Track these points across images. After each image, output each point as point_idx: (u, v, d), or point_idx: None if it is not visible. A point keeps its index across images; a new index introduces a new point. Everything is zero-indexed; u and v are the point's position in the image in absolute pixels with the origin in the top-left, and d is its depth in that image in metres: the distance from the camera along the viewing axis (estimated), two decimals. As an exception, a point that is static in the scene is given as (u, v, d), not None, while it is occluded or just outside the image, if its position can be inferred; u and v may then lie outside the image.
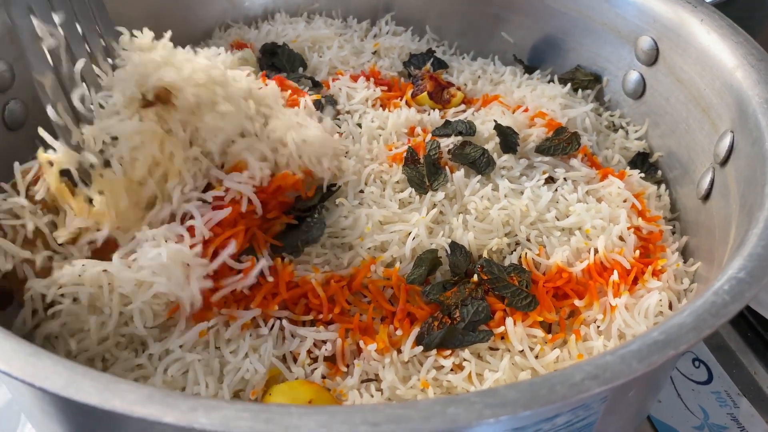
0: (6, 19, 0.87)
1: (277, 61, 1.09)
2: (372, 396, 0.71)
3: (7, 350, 0.47)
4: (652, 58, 1.00)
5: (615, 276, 0.80)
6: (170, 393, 0.45)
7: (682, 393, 0.99)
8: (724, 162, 0.83)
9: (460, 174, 0.88)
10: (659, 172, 1.00)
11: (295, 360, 0.74)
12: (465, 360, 0.73)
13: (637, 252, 0.83)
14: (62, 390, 0.44)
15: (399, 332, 0.75)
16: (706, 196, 0.86)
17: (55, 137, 0.76)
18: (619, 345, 0.53)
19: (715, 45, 0.88)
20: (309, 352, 0.74)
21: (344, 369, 0.73)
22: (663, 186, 0.97)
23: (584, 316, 0.79)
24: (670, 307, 0.80)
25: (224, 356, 0.72)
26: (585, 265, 0.81)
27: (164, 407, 0.44)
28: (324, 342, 0.74)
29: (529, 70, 1.16)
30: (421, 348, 0.73)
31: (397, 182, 0.89)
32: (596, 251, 0.82)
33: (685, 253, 0.89)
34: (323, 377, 0.73)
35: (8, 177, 0.89)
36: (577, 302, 0.79)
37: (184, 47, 1.15)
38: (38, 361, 0.46)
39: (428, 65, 1.12)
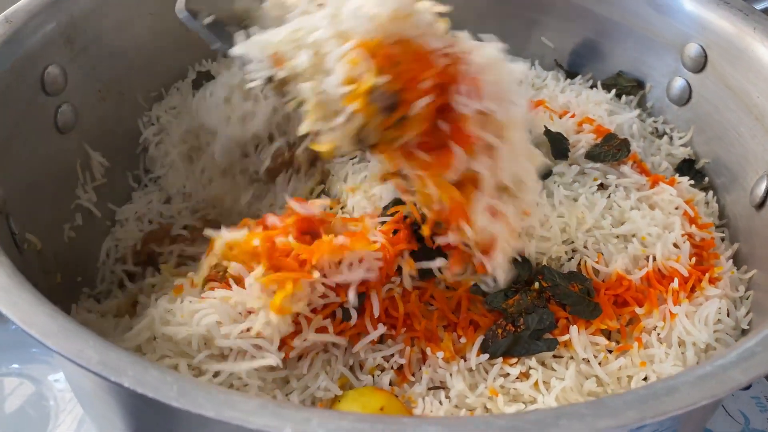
0: (62, 23, 0.88)
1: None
2: (441, 404, 0.71)
3: (114, 359, 0.46)
4: (700, 65, 1.00)
5: (675, 284, 0.80)
6: (281, 403, 0.45)
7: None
8: (781, 171, 0.83)
9: (515, 180, 0.88)
10: (705, 179, 1.00)
11: (361, 367, 0.74)
12: (531, 368, 0.73)
13: (693, 260, 0.83)
14: (175, 401, 0.44)
15: (463, 340, 0.75)
16: (761, 204, 0.86)
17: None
18: (713, 356, 0.53)
19: (769, 53, 0.88)
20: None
21: (411, 378, 0.73)
22: (710, 193, 0.97)
23: (644, 324, 0.79)
24: (728, 314, 0.80)
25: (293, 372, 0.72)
26: (644, 272, 0.81)
27: (279, 418, 0.43)
28: (392, 355, 0.74)
29: (571, 75, 1.16)
30: (486, 356, 0.73)
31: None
32: (654, 259, 0.82)
33: (736, 261, 0.89)
34: (390, 384, 0.73)
35: (59, 180, 0.90)
36: (637, 310, 0.79)
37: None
38: (145, 371, 0.46)
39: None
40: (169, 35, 1.08)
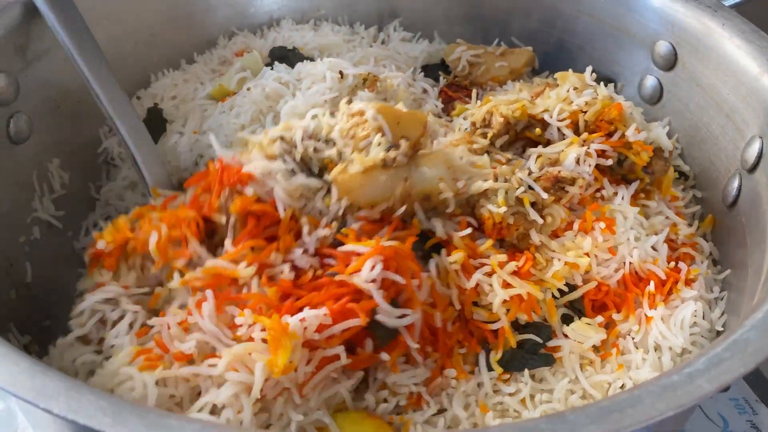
0: (11, 31, 0.85)
1: (288, 65, 1.05)
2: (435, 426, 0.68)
3: (48, 384, 0.43)
4: (670, 63, 0.98)
5: (651, 287, 0.78)
6: (221, 427, 0.43)
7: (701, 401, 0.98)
8: (753, 168, 0.81)
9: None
10: (680, 178, 0.98)
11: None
12: (521, 382, 0.71)
13: (673, 264, 0.82)
14: (110, 428, 0.41)
15: (463, 350, 0.73)
16: (733, 203, 0.85)
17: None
18: (683, 363, 0.51)
19: (738, 50, 0.87)
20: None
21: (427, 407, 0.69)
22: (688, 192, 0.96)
23: (619, 329, 0.77)
24: (703, 317, 0.78)
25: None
26: (620, 275, 0.79)
27: (219, 444, 0.41)
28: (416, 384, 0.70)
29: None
30: (495, 374, 0.71)
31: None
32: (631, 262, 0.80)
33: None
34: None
35: (13, 193, 0.87)
36: (615, 316, 0.77)
37: (187, 57, 1.13)
38: (80, 396, 0.43)
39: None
40: (129, 41, 1.05)
